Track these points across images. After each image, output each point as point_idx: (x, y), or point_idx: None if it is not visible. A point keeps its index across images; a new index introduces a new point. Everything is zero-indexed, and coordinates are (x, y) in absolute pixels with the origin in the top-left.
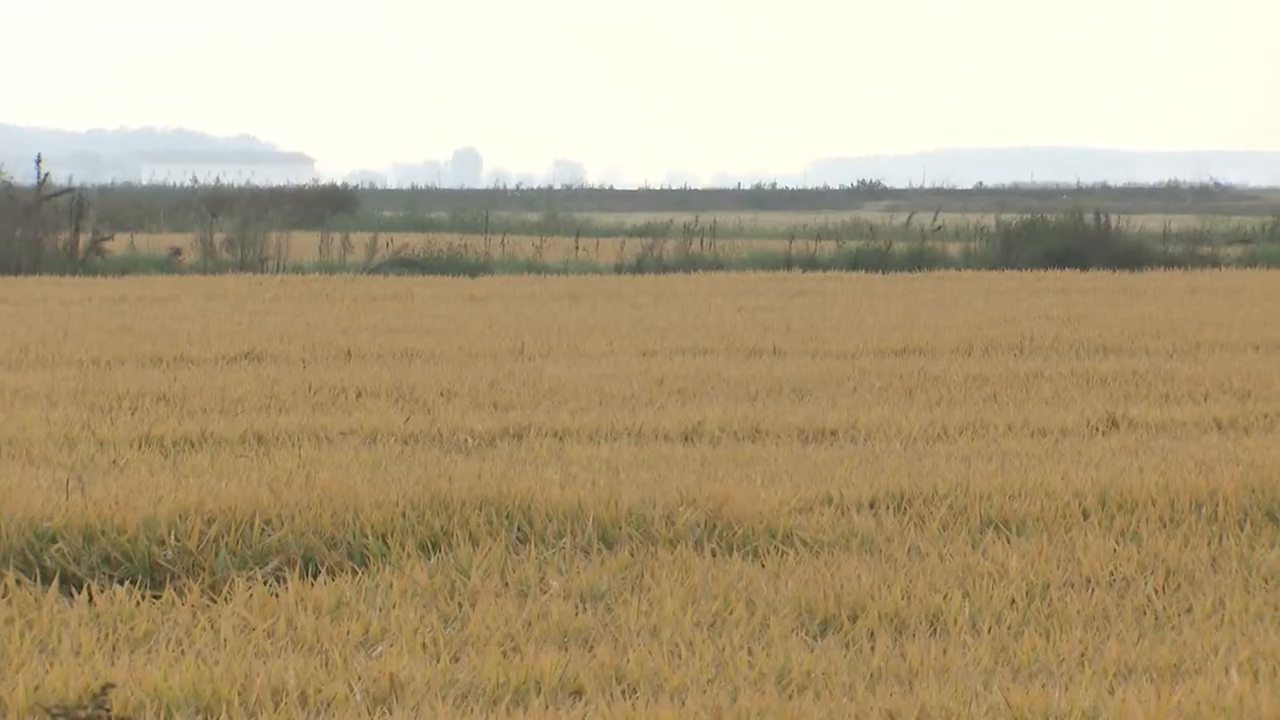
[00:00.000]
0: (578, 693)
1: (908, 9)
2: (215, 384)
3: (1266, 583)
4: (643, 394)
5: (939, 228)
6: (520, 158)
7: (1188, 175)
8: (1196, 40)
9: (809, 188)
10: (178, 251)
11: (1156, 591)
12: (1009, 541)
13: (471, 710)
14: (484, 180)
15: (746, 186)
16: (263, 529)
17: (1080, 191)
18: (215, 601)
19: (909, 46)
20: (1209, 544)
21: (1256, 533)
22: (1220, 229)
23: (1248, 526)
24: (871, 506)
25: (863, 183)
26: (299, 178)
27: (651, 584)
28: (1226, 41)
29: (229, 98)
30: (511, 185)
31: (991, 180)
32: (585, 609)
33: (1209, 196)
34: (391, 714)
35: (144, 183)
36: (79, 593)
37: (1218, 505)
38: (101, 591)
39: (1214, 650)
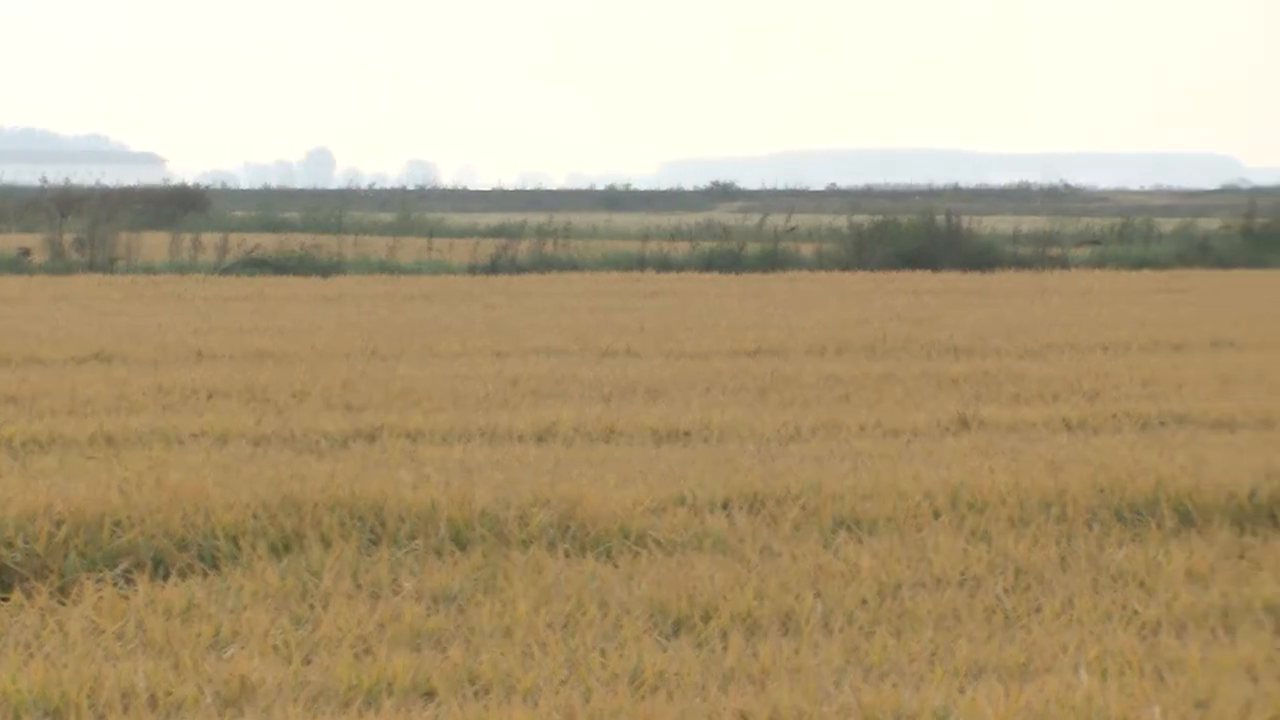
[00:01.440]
0: (430, 694)
1: (761, 10)
2: (65, 385)
3: (1114, 582)
4: (497, 395)
5: (792, 229)
6: (374, 158)
7: (1038, 177)
8: (1046, 43)
9: (663, 189)
10: (26, 252)
11: (1006, 591)
12: (861, 541)
13: (323, 712)
14: (337, 180)
15: (600, 188)
16: (112, 531)
17: (932, 193)
18: (64, 604)
19: (762, 47)
20: (1058, 544)
21: (1105, 533)
22: (1070, 230)
23: (1096, 526)
24: (725, 507)
25: (716, 184)
26: (150, 178)
27: (504, 585)
28: (1076, 45)
29: (79, 96)
30: (365, 185)
31: (844, 182)
32: (438, 610)
33: (1058, 198)
34: (242, 716)
35: None
36: None
37: (1067, 505)
38: None
39: (1063, 649)
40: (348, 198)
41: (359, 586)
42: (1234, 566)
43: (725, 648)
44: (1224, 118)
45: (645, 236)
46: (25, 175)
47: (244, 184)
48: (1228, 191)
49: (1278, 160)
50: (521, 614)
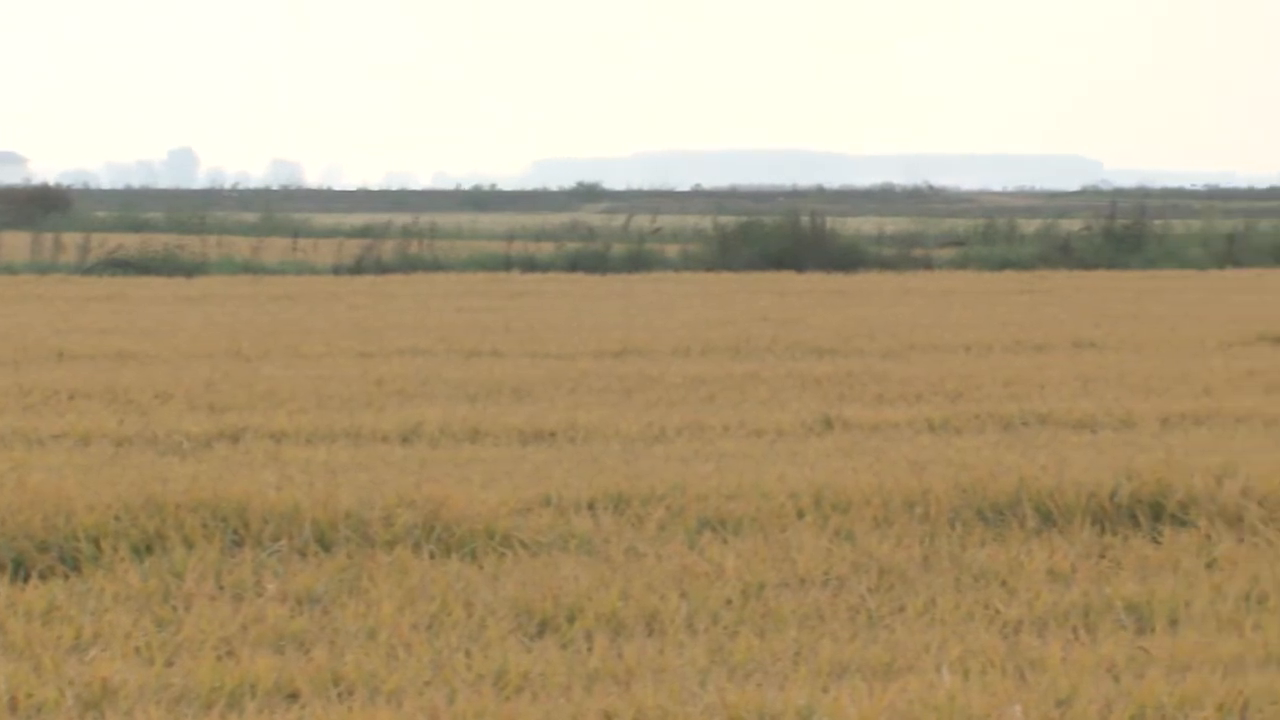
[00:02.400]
0: (294, 696)
1: (627, 9)
2: None
3: (976, 581)
4: (361, 395)
5: (657, 230)
6: (238, 157)
7: (902, 178)
8: (909, 44)
9: (529, 189)
10: None
11: (870, 590)
12: (726, 542)
13: (185, 714)
14: (200, 180)
15: (466, 188)
16: None
17: (796, 194)
18: None
19: (628, 48)
20: (921, 543)
21: (967, 532)
22: (933, 232)
23: (958, 526)
24: (590, 507)
25: (582, 184)
26: (10, 177)
27: (369, 586)
28: (940, 47)
29: None
30: (228, 185)
31: (709, 182)
32: (302, 612)
33: (922, 199)
34: (103, 718)
35: None
36: None
37: (930, 505)
38: None
39: (926, 648)
40: (211, 198)
41: (222, 588)
42: (1095, 566)
43: (590, 648)
44: (1085, 120)
45: (511, 237)
46: None
47: (106, 184)
48: (1089, 193)
49: (1138, 162)
50: (386, 615)
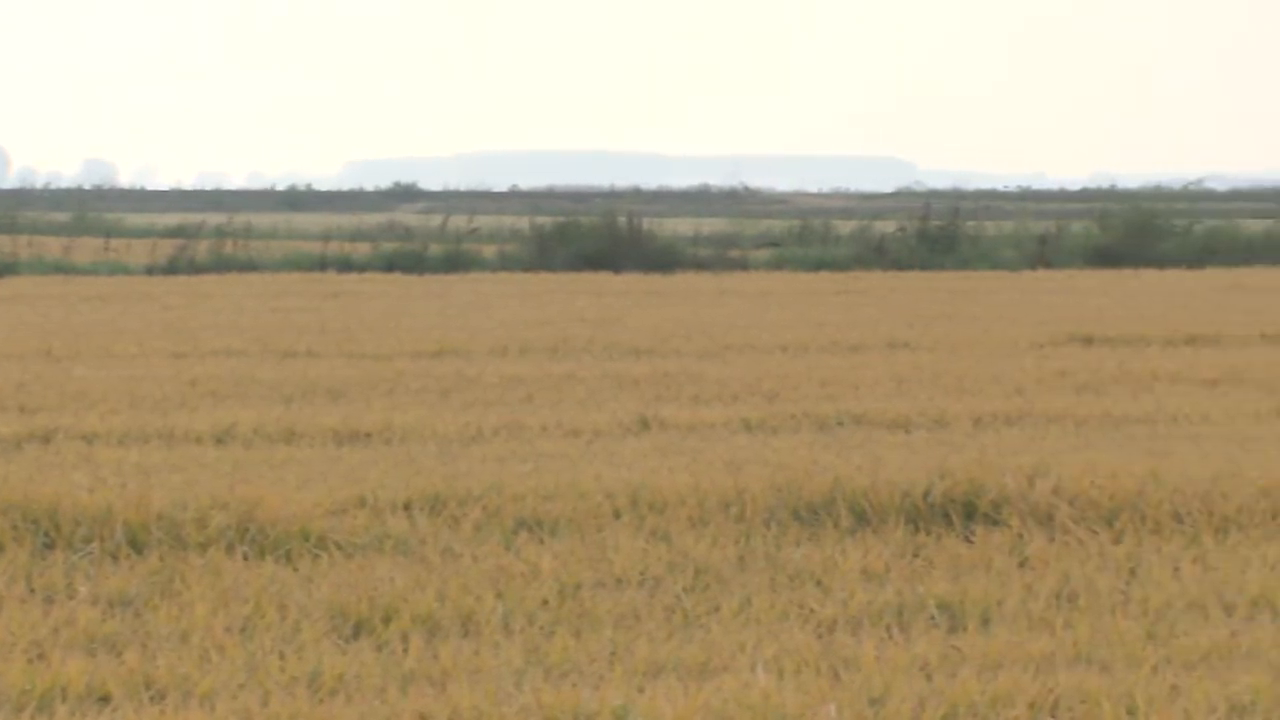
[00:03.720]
0: (105, 699)
1: (443, 9)
2: None
3: (791, 581)
4: (174, 396)
5: (474, 230)
6: (49, 157)
7: (718, 180)
8: (725, 46)
9: (345, 189)
10: None
11: (685, 590)
12: (542, 542)
13: None
14: (11, 180)
15: (281, 188)
16: None
17: (613, 194)
18: None
19: (444, 47)
20: (737, 543)
21: (782, 532)
22: (749, 233)
23: (774, 526)
24: (406, 508)
25: (398, 185)
26: None
27: (182, 588)
28: (755, 48)
29: None
30: (40, 185)
31: (526, 183)
32: (114, 614)
33: (738, 201)
34: None
35: None
36: None
37: (745, 505)
38: None
39: (741, 648)
40: (22, 197)
41: (32, 591)
42: (908, 565)
43: (406, 650)
44: (900, 122)
45: (327, 237)
46: None
47: None
48: (903, 194)
49: (951, 164)
50: (199, 617)
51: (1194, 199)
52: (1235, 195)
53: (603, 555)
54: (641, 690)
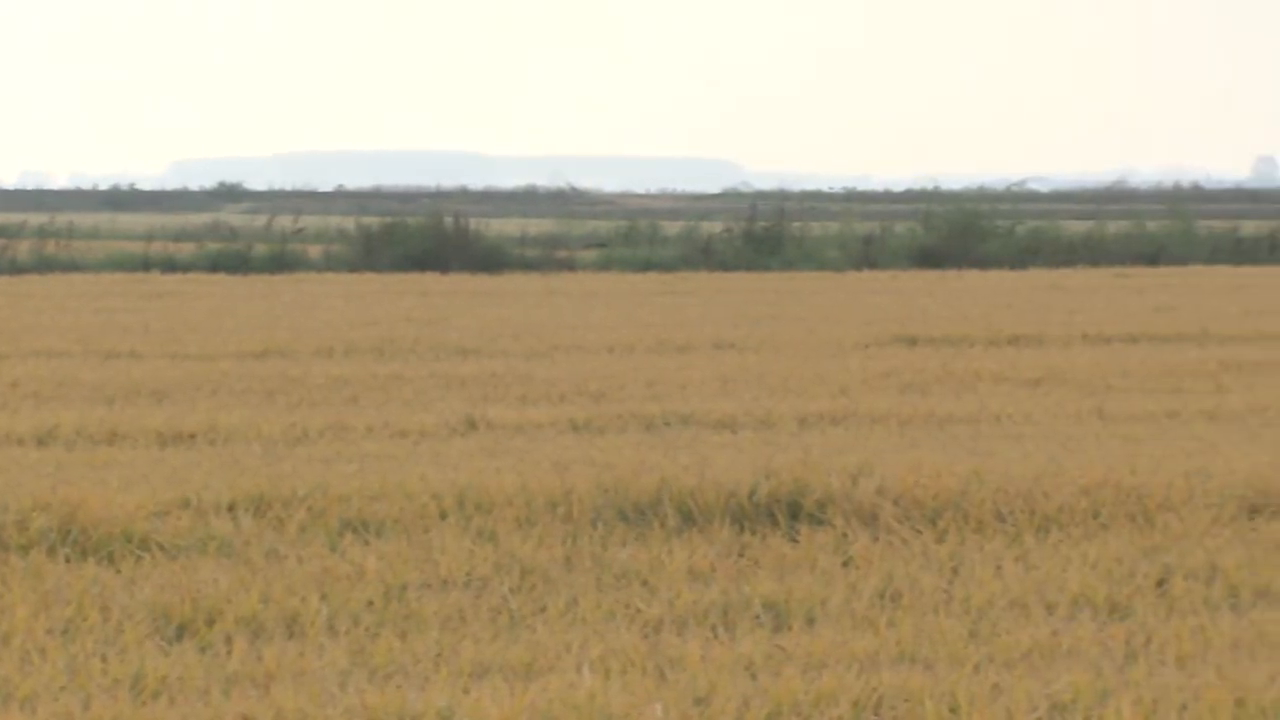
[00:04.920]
0: None
1: (266, 7)
2: None
3: (618, 581)
4: None
5: (300, 230)
6: None
7: (545, 180)
8: (552, 46)
9: (169, 189)
10: None
11: (512, 591)
12: (368, 543)
13: None
14: None
15: (105, 187)
16: None
17: (440, 195)
18: None
19: (268, 46)
20: (564, 543)
21: (609, 532)
22: (576, 233)
23: (601, 526)
24: (230, 509)
25: (223, 184)
26: None
27: (3, 591)
28: (581, 48)
29: None
30: None
31: (352, 183)
32: None
33: (565, 201)
34: None
35: None
36: None
37: (572, 505)
38: None
39: (567, 648)
40: None
41: None
42: (734, 564)
43: (229, 651)
44: (726, 124)
45: (151, 237)
46: None
47: None
48: (729, 195)
49: (777, 165)
50: (20, 620)
51: (1017, 200)
52: (1057, 196)
53: (429, 556)
54: (467, 691)
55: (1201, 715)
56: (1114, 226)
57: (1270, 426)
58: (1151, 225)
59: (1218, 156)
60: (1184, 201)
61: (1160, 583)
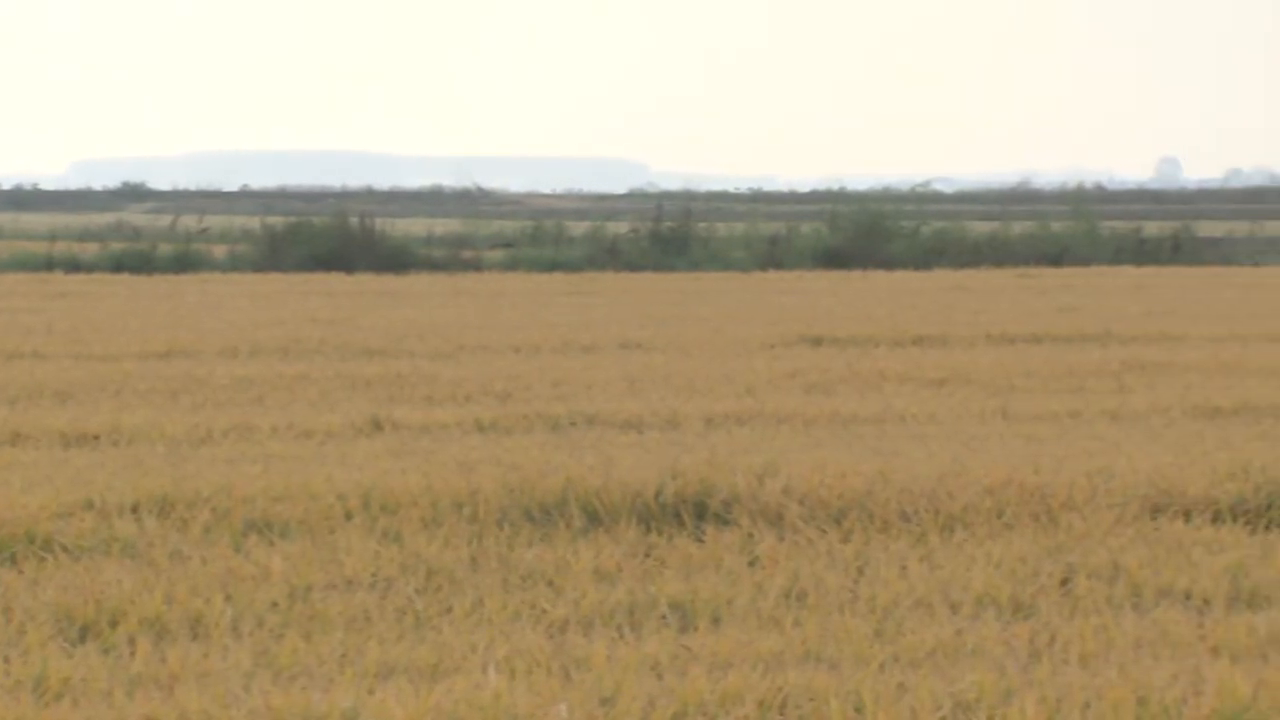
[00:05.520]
0: None
1: (165, 6)
2: None
3: (524, 582)
4: None
5: (204, 230)
6: None
7: (451, 180)
8: (457, 46)
9: (71, 188)
10: None
11: (418, 592)
12: (273, 544)
13: None
14: None
15: (6, 187)
16: None
17: (346, 195)
18: None
19: (171, 45)
20: (469, 544)
21: (515, 532)
22: (483, 233)
23: (507, 526)
24: (134, 510)
25: (127, 184)
26: None
27: None
28: (487, 47)
29: None
30: None
31: (257, 183)
32: None
33: (472, 201)
34: None
35: None
36: None
37: (478, 506)
38: None
39: (473, 649)
40: None
41: None
42: (640, 565)
43: (133, 653)
44: (632, 124)
45: (53, 237)
46: None
47: None
48: (635, 196)
49: (683, 165)
50: None
51: (922, 201)
52: (962, 197)
53: (334, 557)
54: (372, 692)
55: (1104, 714)
56: (1018, 227)
57: (1172, 426)
58: (1055, 226)
59: (1121, 157)
60: (1087, 202)
61: (1064, 582)
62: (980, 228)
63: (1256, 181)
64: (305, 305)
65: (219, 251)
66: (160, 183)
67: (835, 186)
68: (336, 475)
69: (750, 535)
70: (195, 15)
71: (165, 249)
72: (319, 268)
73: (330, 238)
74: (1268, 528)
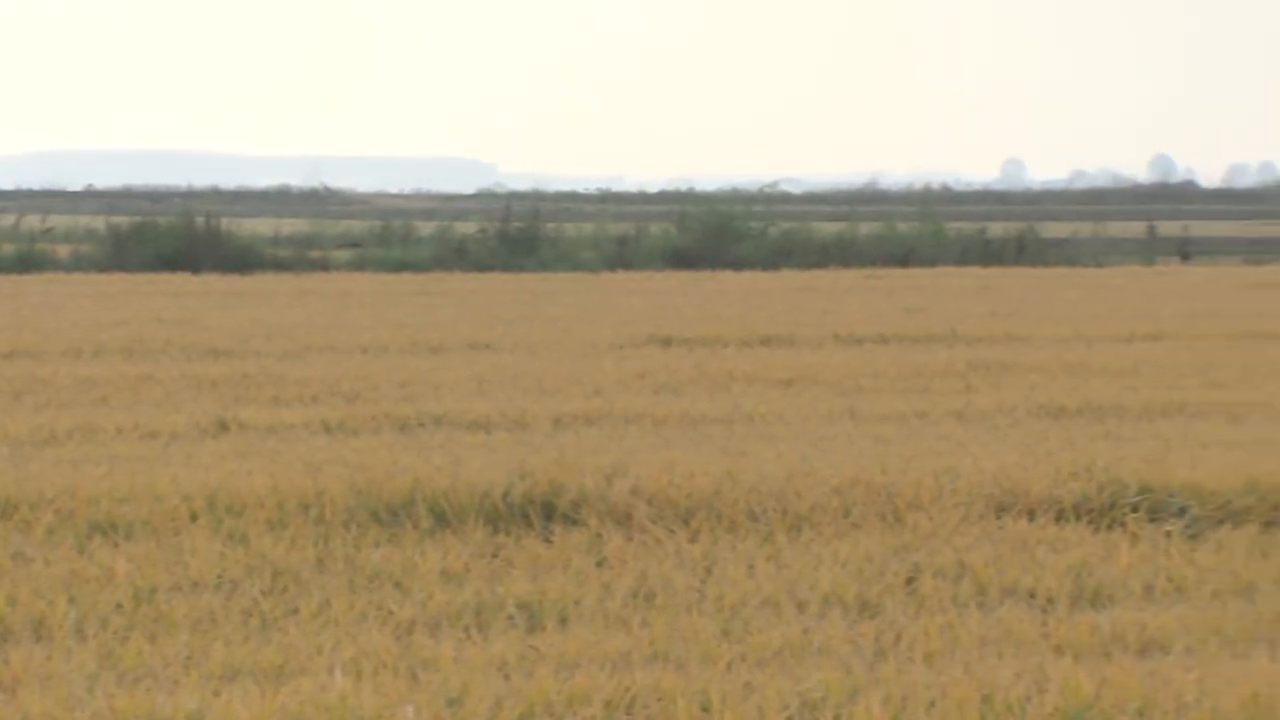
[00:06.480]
0: None
1: (4, 2)
2: None
3: (371, 583)
4: None
5: (48, 230)
6: None
7: (298, 180)
8: (304, 45)
9: None
10: None
11: (264, 593)
12: (117, 546)
13: None
14: None
15: None
16: None
17: (192, 194)
18: None
19: (12, 40)
20: (316, 545)
21: (362, 533)
22: (330, 233)
23: (354, 527)
24: None
25: None
26: None
27: None
28: (333, 46)
29: None
30: None
31: (102, 182)
32: None
33: (319, 201)
34: None
35: None
36: None
37: (325, 507)
38: None
39: (319, 650)
40: None
41: None
42: (487, 565)
43: None
44: (478, 124)
45: None
46: None
47: None
48: (484, 196)
49: (531, 166)
50: None
51: (770, 201)
52: (810, 198)
53: (179, 558)
54: (217, 694)
55: (949, 712)
56: (865, 228)
57: (1017, 426)
58: (902, 227)
59: (967, 158)
60: (934, 203)
61: (909, 581)
62: (828, 228)
63: (1100, 182)
64: (150, 305)
65: (63, 251)
66: (3, 182)
67: (684, 187)
68: (182, 476)
69: (598, 535)
70: (35, 12)
71: (8, 249)
72: (164, 268)
73: (176, 238)
74: (1110, 527)
